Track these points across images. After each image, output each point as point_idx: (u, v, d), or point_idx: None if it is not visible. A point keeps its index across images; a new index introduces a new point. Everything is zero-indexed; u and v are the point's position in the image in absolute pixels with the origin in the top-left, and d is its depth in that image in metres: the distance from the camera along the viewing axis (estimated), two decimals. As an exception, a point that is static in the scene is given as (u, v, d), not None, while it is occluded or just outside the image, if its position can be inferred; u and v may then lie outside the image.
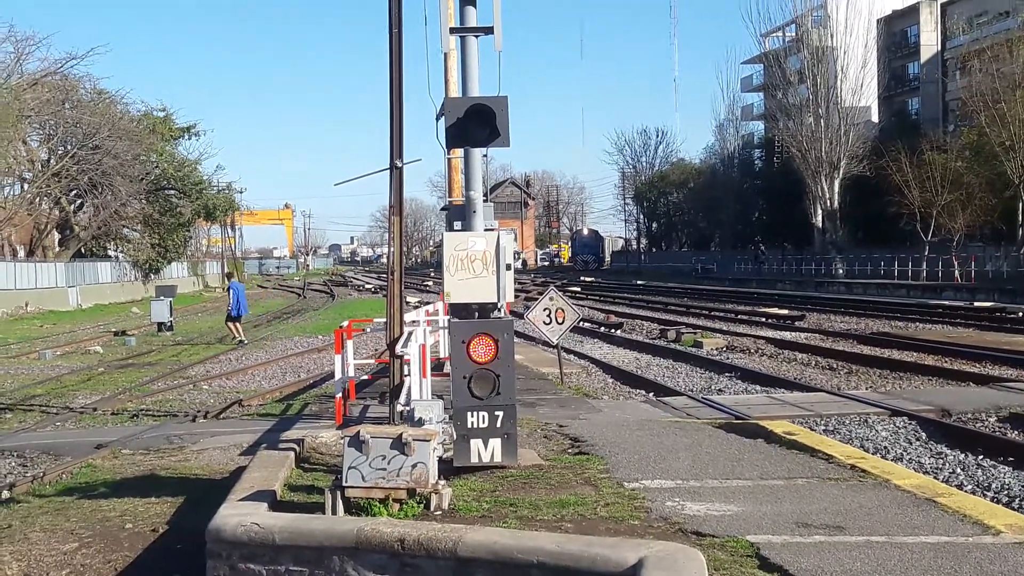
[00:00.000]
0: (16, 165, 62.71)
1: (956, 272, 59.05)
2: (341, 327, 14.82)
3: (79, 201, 71.00)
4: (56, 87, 62.70)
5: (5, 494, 11.19)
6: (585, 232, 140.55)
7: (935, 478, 11.06)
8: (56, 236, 70.90)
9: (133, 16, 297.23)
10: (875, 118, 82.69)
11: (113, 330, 39.03)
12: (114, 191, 65.84)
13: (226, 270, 38.60)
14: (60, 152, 64.34)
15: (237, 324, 32.46)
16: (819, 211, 76.85)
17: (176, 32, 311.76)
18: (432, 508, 8.32)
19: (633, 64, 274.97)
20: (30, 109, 58.89)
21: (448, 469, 9.64)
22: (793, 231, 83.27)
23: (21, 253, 68.08)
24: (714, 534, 7.69)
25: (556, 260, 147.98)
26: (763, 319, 38.05)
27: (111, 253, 76.38)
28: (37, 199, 64.77)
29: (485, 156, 11.92)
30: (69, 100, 64.37)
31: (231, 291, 33.08)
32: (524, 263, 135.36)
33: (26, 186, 64.87)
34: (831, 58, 75.37)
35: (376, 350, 24.92)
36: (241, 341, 31.59)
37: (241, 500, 8.63)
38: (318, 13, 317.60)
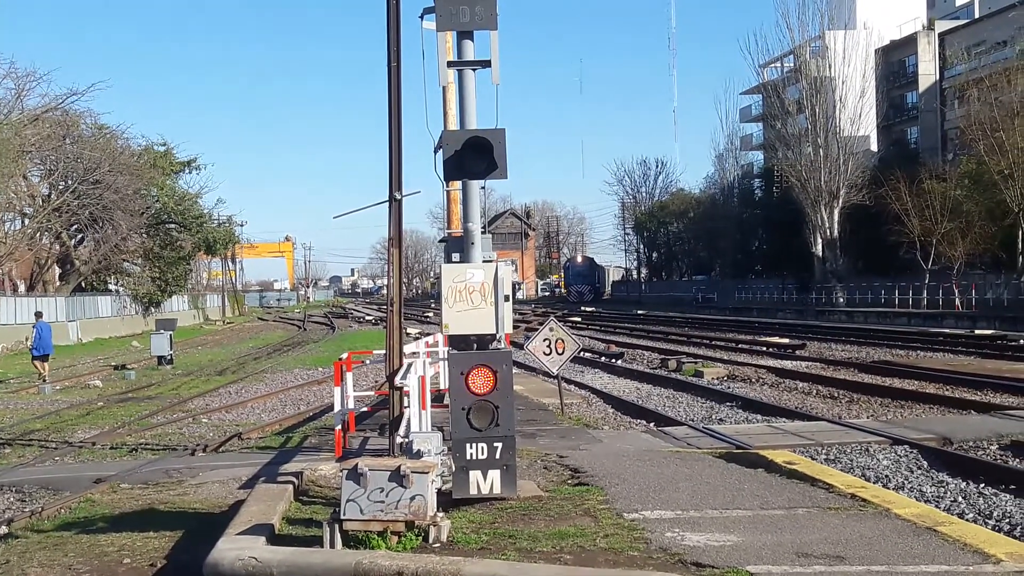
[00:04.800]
0: (17, 200, 62.89)
1: (957, 300, 59.05)
2: (341, 359, 14.80)
3: (79, 236, 71.15)
4: (57, 123, 62.93)
5: (3, 529, 11.14)
6: (579, 260, 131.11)
7: (936, 507, 11.02)
8: (56, 270, 70.94)
9: (134, 51, 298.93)
10: (874, 147, 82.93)
11: (113, 364, 38.98)
12: (115, 225, 65.97)
13: (35, 309, 38.72)
14: (61, 187, 64.48)
15: (43, 363, 32.38)
16: (819, 240, 76.91)
17: (177, 67, 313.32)
18: (431, 540, 8.29)
19: (633, 95, 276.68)
20: (31, 145, 59.08)
21: (447, 501, 9.61)
22: (793, 260, 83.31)
23: (22, 288, 68.14)
24: (714, 565, 7.66)
25: (557, 290, 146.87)
26: (764, 348, 38.00)
27: (111, 287, 76.41)
28: (38, 234, 64.87)
29: (483, 188, 11.95)
30: (70, 135, 64.61)
31: (36, 330, 32.89)
32: (514, 292, 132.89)
33: (27, 221, 65.03)
34: (829, 88, 75.69)
35: (376, 382, 24.89)
36: (43, 378, 31.46)
37: (239, 534, 8.60)
38: (318, 47, 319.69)
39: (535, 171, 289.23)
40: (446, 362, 12.16)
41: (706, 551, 8.08)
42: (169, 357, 37.94)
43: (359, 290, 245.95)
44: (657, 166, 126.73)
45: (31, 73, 63.24)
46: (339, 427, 13.89)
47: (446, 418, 11.17)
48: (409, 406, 12.05)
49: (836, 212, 74.73)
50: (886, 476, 13.16)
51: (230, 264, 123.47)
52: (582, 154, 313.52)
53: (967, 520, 10.28)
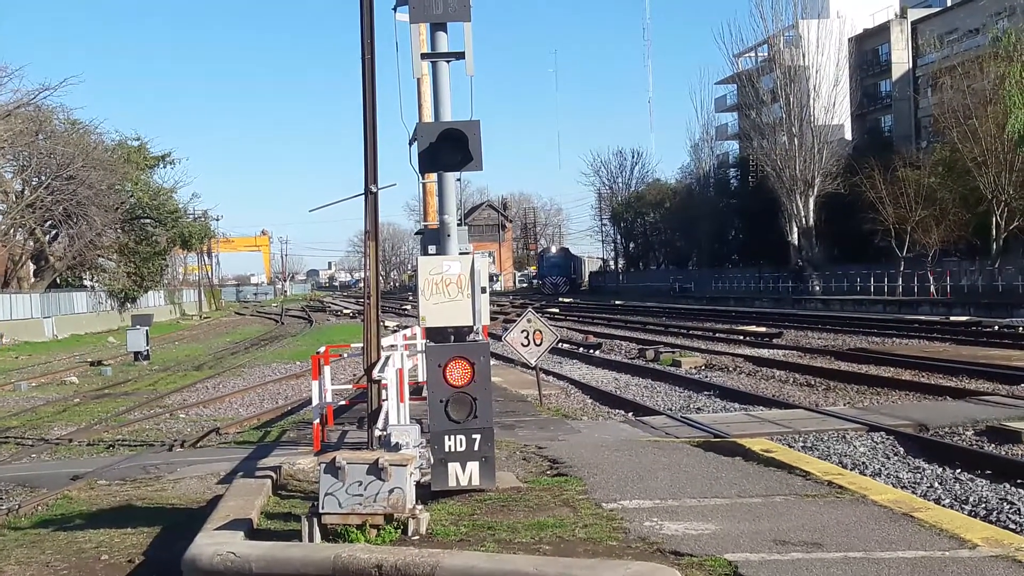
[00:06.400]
0: (-10, 197, 62.41)
1: (931, 287, 59.42)
2: (318, 353, 14.78)
3: (54, 232, 70.61)
4: (29, 118, 62.30)
5: (-20, 528, 11.07)
6: (553, 251, 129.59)
7: (913, 493, 11.10)
8: (31, 267, 70.40)
9: (106, 46, 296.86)
10: (848, 136, 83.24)
11: (89, 360, 38.76)
12: (89, 221, 65.49)
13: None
14: (34, 183, 64.00)
15: None
16: (795, 229, 77.18)
17: (150, 61, 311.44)
18: (410, 533, 8.28)
19: (608, 86, 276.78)
20: (3, 141, 58.52)
21: (426, 493, 9.61)
22: (769, 249, 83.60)
23: (-5, 285, 67.63)
24: (692, 553, 7.69)
25: (535, 282, 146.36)
26: (741, 337, 38.13)
27: (87, 283, 75.91)
28: (11, 230, 64.36)
29: (459, 180, 11.95)
30: (43, 131, 64.01)
31: None
32: (491, 284, 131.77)
33: (0, 218, 64.48)
34: (803, 77, 75.91)
35: (354, 375, 24.77)
36: None
37: (217, 529, 8.58)
38: (292, 39, 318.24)
39: (511, 163, 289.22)
40: (424, 354, 12.15)
41: (684, 540, 8.11)
42: (146, 353, 37.76)
43: (336, 283, 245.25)
44: (633, 156, 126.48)
45: (2, 68, 62.39)
46: (317, 421, 13.87)
47: (424, 411, 11.16)
48: (387, 399, 12.04)
49: (811, 201, 75.00)
50: (863, 463, 13.24)
51: (206, 259, 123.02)
52: (558, 145, 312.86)
53: (943, 506, 10.37)
